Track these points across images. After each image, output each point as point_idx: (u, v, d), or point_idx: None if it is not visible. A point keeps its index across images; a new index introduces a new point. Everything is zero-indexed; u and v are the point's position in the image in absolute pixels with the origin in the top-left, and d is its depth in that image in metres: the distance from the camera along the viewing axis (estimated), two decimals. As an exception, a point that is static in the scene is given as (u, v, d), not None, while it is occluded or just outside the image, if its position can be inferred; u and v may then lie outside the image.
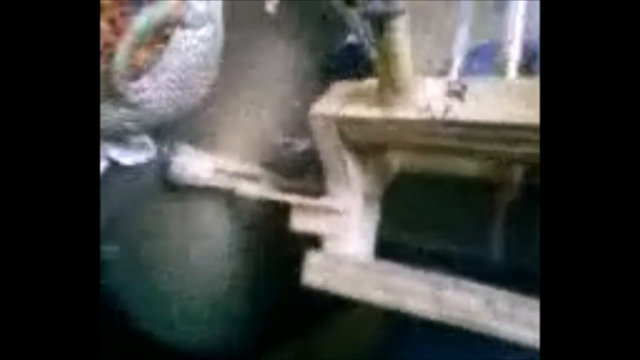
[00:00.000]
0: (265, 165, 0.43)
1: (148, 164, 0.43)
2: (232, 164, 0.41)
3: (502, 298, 0.31)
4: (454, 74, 0.38)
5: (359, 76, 0.37)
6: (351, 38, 0.47)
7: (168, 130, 0.43)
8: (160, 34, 0.40)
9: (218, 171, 0.40)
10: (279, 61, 0.46)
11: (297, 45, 0.46)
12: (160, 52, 0.40)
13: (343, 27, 0.47)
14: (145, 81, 0.40)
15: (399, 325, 0.41)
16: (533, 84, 0.31)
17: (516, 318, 0.31)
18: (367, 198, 0.39)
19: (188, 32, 0.40)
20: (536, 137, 0.30)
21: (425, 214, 0.40)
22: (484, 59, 0.38)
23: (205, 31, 0.40)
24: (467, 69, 0.38)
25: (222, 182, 0.41)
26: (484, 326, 0.31)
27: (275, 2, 0.45)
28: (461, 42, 0.39)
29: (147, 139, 0.44)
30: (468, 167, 0.38)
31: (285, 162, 0.43)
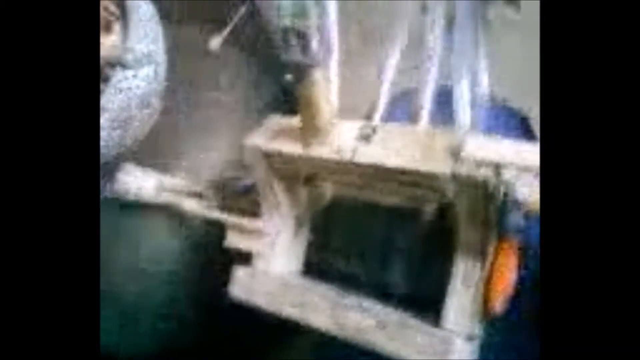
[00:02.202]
0: (209, 186, 0.47)
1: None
2: (176, 182, 0.45)
3: (393, 319, 0.35)
4: (376, 118, 0.42)
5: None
6: (289, 76, 0.51)
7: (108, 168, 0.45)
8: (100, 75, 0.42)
9: (161, 188, 0.44)
10: (222, 97, 0.49)
11: (240, 82, 0.49)
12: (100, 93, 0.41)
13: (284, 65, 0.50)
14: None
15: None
16: (438, 134, 0.35)
17: (403, 339, 0.35)
18: (297, 222, 0.43)
19: (129, 73, 0.42)
20: (431, 183, 0.34)
21: (349, 239, 0.44)
22: (406, 104, 0.42)
23: (146, 71, 0.43)
24: (390, 114, 0.42)
25: (164, 199, 0.45)
26: (374, 344, 0.35)
27: (219, 40, 0.48)
28: (386, 86, 0.43)
29: None
30: (392, 199, 0.42)
31: (229, 191, 0.47)
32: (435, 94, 0.41)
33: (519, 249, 0.36)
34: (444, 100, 0.41)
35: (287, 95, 0.46)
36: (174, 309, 0.47)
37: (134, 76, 0.42)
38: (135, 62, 0.42)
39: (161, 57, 0.45)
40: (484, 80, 0.44)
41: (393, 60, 0.42)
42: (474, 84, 0.42)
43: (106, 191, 0.43)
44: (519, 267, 0.36)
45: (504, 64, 0.48)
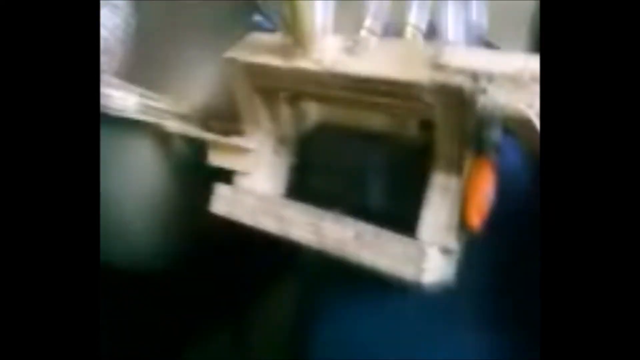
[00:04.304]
0: (191, 106, 0.47)
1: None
2: (161, 101, 0.45)
3: (370, 231, 0.36)
4: (362, 33, 0.41)
5: None
6: (258, 17, 0.51)
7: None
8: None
9: (144, 106, 0.44)
10: (188, 41, 0.48)
11: (206, 24, 0.48)
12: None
13: (251, 6, 0.50)
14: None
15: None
16: (419, 45, 0.35)
17: (379, 248, 0.35)
18: (279, 141, 0.44)
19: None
20: (409, 91, 0.34)
21: (329, 159, 0.44)
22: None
23: (105, 15, 0.41)
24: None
25: (148, 117, 0.45)
26: (352, 254, 0.36)
27: None
28: (373, 6, 0.42)
29: None
30: (372, 114, 0.42)
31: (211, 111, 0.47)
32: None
33: (495, 166, 0.36)
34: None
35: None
36: (156, 224, 0.48)
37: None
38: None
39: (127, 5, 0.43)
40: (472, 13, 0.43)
41: None
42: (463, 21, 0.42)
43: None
44: (495, 184, 0.37)
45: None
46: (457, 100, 0.32)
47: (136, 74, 0.46)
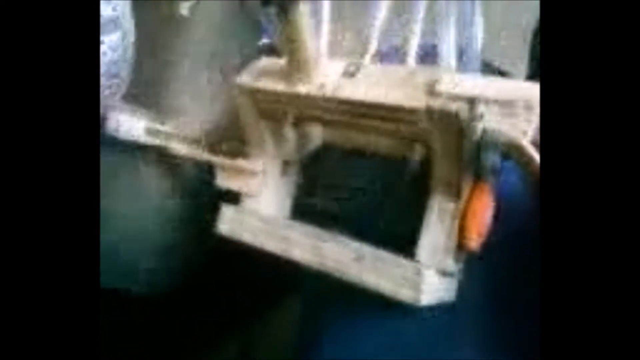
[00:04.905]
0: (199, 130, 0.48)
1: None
2: (168, 125, 0.46)
3: (368, 252, 0.37)
4: (366, 58, 0.42)
5: None
6: (265, 39, 0.52)
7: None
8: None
9: (153, 130, 0.46)
10: (193, 64, 0.49)
11: (212, 47, 0.49)
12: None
13: (257, 28, 0.51)
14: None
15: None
16: (418, 71, 0.36)
17: (377, 270, 0.36)
18: (284, 163, 0.45)
19: (94, 39, 0.39)
20: (408, 117, 0.35)
21: (335, 182, 0.45)
22: (392, 59, 0.43)
23: (112, 38, 0.41)
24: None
25: (156, 140, 0.46)
26: (351, 275, 0.37)
27: (190, 3, 0.47)
28: (376, 29, 0.43)
29: None
30: (373, 138, 0.43)
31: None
32: (422, 51, 0.41)
33: (493, 189, 0.37)
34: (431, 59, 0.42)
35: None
36: (163, 246, 0.49)
37: (101, 43, 0.40)
38: (101, 28, 0.40)
39: (128, 23, 0.43)
40: (474, 38, 0.44)
41: (381, 14, 0.43)
42: (461, 41, 0.43)
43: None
44: (495, 207, 0.37)
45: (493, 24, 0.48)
46: (454, 126, 0.33)
47: (144, 97, 0.47)
